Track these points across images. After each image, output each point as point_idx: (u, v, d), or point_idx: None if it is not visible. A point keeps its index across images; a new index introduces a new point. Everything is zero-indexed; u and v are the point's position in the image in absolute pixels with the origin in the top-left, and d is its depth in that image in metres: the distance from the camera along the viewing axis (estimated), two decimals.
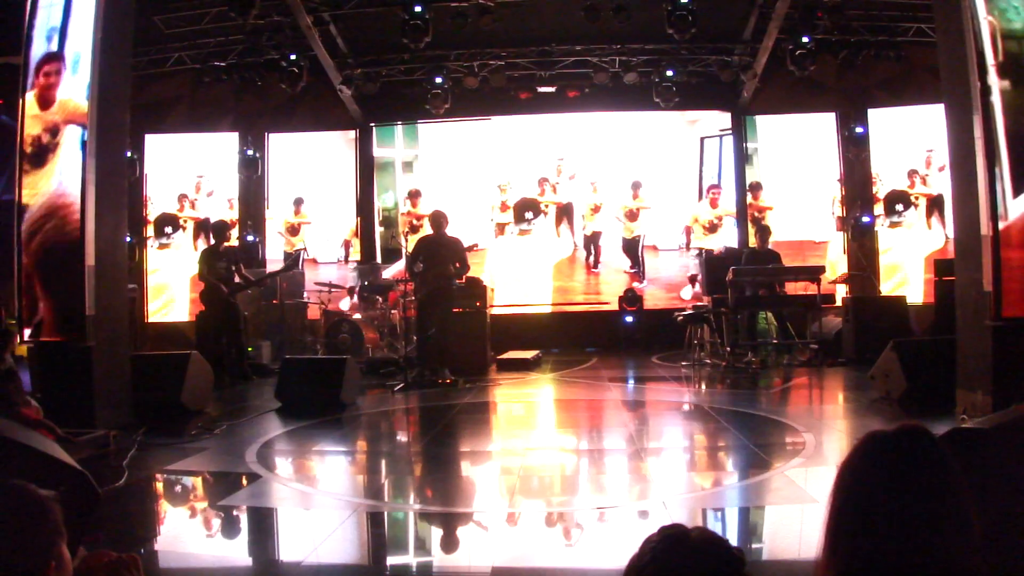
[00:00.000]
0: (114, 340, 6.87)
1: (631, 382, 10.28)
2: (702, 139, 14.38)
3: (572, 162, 14.29)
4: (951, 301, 7.02)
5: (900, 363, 6.85)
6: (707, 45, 13.01)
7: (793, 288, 10.94)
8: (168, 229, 14.06)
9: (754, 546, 3.91)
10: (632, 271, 14.06)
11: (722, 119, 14.20)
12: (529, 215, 13.92)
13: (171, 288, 13.99)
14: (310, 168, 14.63)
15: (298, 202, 14.42)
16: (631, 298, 13.47)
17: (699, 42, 12.72)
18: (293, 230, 14.41)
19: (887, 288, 12.81)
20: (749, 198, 13.95)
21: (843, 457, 1.47)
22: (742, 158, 14.00)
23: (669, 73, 12.87)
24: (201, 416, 7.26)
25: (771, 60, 12.58)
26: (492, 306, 11.75)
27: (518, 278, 14.22)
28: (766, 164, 14.12)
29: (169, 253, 14.08)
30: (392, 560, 4.02)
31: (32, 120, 6.85)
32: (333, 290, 12.22)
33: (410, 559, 4.00)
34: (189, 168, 14.23)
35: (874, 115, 13.32)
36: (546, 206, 14.24)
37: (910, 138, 13.12)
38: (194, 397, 7.43)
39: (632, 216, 14.13)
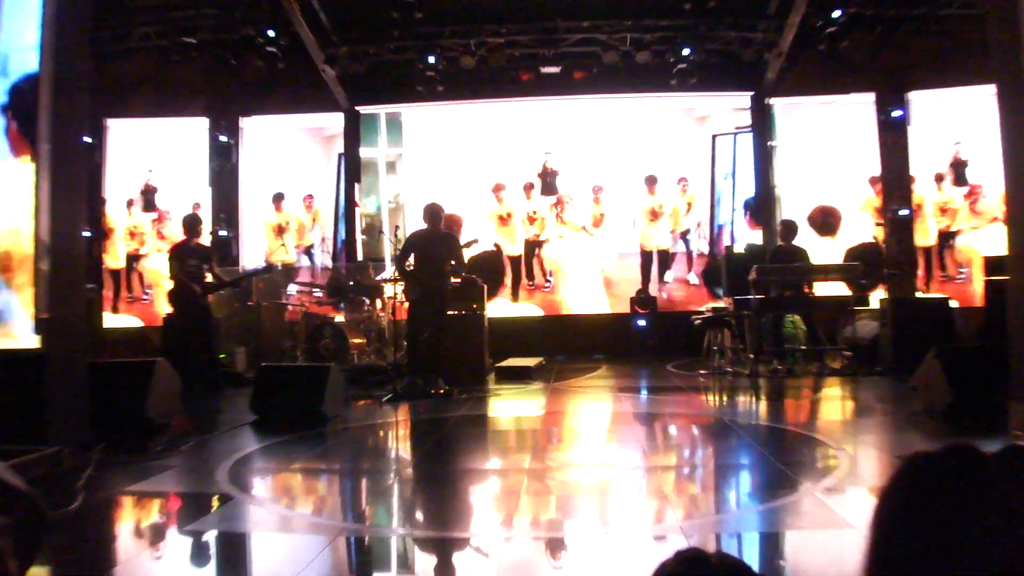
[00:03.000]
0: (70, 346, 6.82)
1: (644, 393, 10.23)
2: (714, 137, 14.39)
3: (561, 155, 14.30)
4: (1002, 303, 6.98)
5: (944, 372, 6.80)
6: (727, 21, 12.97)
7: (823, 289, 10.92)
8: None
9: None
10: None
11: (736, 117, 14.19)
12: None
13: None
14: (290, 156, 14.63)
15: (278, 198, 14.39)
16: (644, 300, 13.44)
17: (719, 17, 12.69)
18: (279, 230, 14.39)
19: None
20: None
21: (883, 480, 1.43)
22: (764, 148, 13.97)
23: (686, 52, 12.84)
24: (167, 431, 7.20)
25: (798, 37, 12.52)
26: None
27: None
28: (788, 158, 14.11)
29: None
30: None
31: None
32: (315, 291, 12.19)
33: None
34: (154, 156, 14.25)
35: (915, 98, 13.24)
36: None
37: (954, 123, 13.09)
38: (159, 409, 7.36)
39: (655, 215, 14.14)
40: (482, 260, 13.47)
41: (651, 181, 14.13)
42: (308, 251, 14.52)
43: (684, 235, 14.24)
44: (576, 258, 14.31)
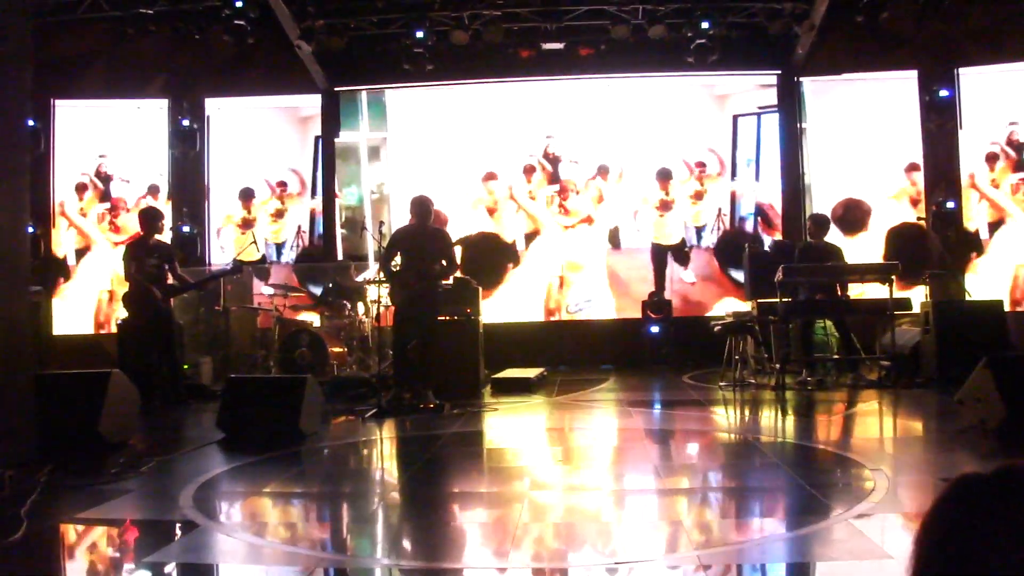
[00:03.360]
0: (13, 355, 6.81)
1: (657, 407, 10.24)
2: (735, 118, 14.39)
3: (564, 140, 14.32)
4: None
5: (996, 384, 6.78)
6: None
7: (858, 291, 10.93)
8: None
9: None
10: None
11: (760, 95, 14.20)
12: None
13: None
14: (261, 141, 14.64)
15: (247, 195, 14.38)
16: (657, 304, 13.45)
17: None
18: (246, 223, 14.39)
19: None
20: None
21: (927, 504, 1.43)
22: (792, 132, 13.98)
23: (705, 25, 12.87)
24: (123, 450, 7.21)
25: (832, 7, 12.50)
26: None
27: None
28: (819, 143, 14.13)
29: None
30: None
31: None
32: (290, 294, 12.19)
33: None
34: (108, 142, 14.25)
35: (965, 75, 13.18)
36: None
37: (1008, 103, 13.07)
38: (115, 426, 7.36)
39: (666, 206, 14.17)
40: (479, 243, 13.46)
41: (664, 176, 14.14)
42: (279, 248, 14.53)
43: (700, 230, 14.24)
44: (579, 254, 14.30)
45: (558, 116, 14.44)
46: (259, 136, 14.73)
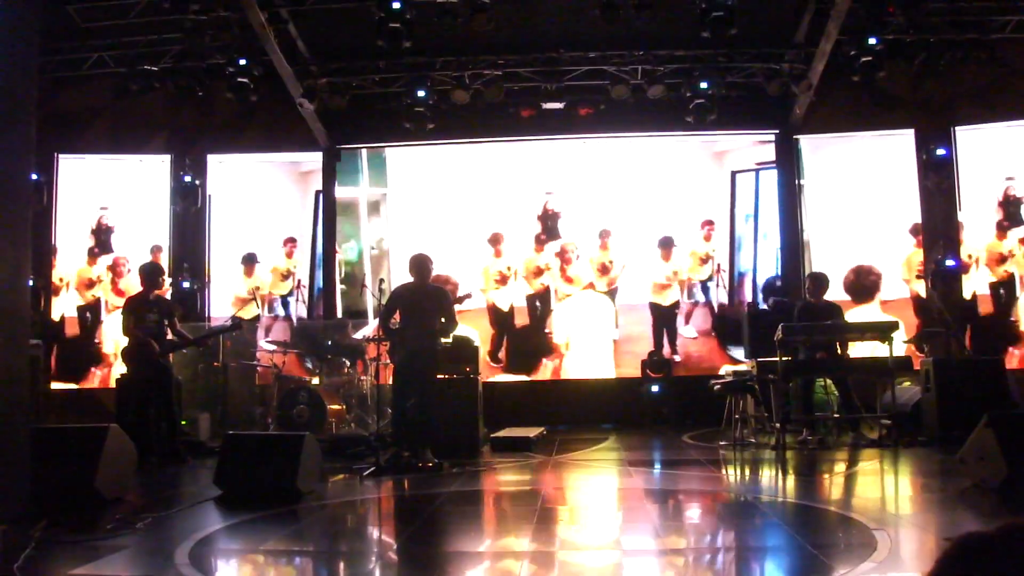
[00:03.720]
0: (11, 409, 6.79)
1: (657, 467, 10.20)
2: (733, 174, 14.50)
3: (563, 197, 14.41)
4: None
5: (999, 442, 6.78)
6: (750, 51, 13.16)
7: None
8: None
9: None
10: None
11: (757, 152, 14.32)
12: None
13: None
14: (262, 196, 14.72)
15: (250, 260, 14.42)
16: (657, 363, 13.44)
17: (741, 47, 12.86)
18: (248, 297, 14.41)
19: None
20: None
21: (930, 564, 1.43)
22: (790, 190, 14.07)
23: (703, 85, 12.98)
24: (120, 505, 7.17)
25: (829, 67, 12.67)
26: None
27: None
28: (818, 198, 14.22)
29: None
30: None
31: None
32: (288, 352, 12.19)
33: None
34: (110, 197, 14.33)
35: (961, 134, 13.33)
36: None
37: (1004, 161, 13.18)
38: (112, 482, 7.34)
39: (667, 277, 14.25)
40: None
41: (667, 244, 14.21)
42: (285, 300, 14.55)
43: (705, 283, 14.28)
44: (584, 319, 14.33)
45: (557, 174, 14.54)
46: (261, 192, 14.81)
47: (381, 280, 10.88)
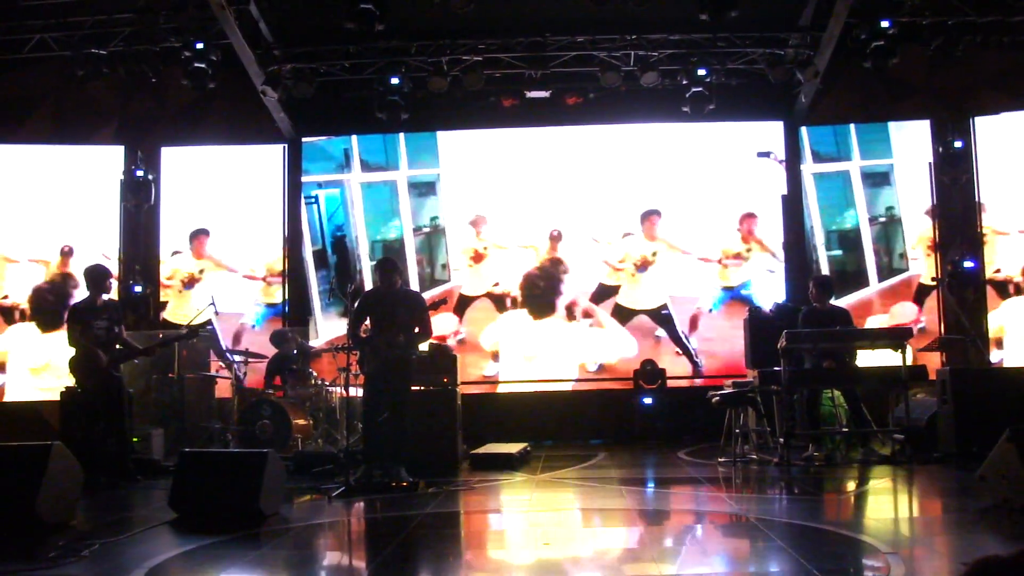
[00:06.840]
0: None
1: (651, 486, 10.21)
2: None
3: (550, 190, 14.49)
4: None
5: (1021, 459, 6.81)
6: (752, 35, 13.18)
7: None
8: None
9: None
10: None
11: (759, 141, 14.38)
12: None
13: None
14: (222, 194, 14.65)
15: (199, 236, 14.35)
16: (650, 373, 13.44)
17: (741, 31, 12.88)
18: (190, 281, 14.36)
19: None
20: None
21: None
22: (796, 184, 14.09)
23: (701, 72, 13.02)
24: (64, 531, 7.13)
25: (838, 53, 12.70)
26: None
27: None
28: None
29: None
30: None
31: None
32: (251, 361, 12.15)
33: None
34: (53, 191, 14.22)
35: (981, 124, 13.35)
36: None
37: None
38: (55, 505, 7.29)
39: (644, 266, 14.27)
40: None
41: (648, 216, 14.24)
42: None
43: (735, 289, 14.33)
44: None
45: (543, 166, 14.51)
46: (222, 181, 14.71)
47: (348, 284, 10.85)
